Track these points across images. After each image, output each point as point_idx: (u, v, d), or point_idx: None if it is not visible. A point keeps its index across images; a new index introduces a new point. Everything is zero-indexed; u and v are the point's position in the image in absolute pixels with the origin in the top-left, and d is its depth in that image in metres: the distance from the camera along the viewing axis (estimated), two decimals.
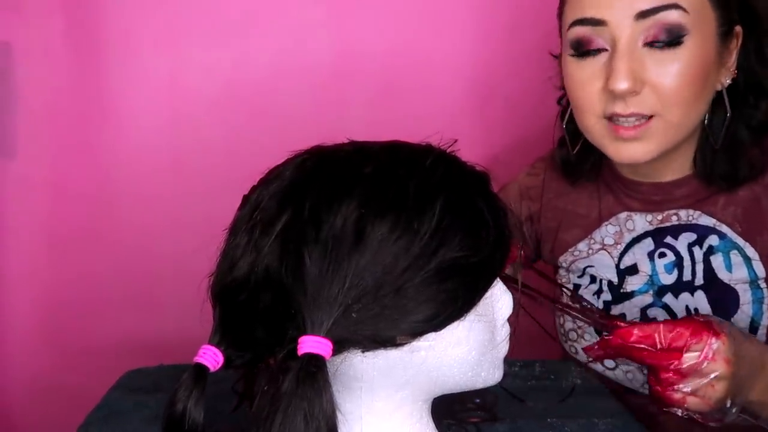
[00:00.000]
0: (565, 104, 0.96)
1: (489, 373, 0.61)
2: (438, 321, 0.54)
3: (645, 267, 0.94)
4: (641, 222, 0.95)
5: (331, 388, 0.50)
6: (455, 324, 0.56)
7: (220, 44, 1.33)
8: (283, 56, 1.34)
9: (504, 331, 0.62)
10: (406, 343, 0.54)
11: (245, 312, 0.54)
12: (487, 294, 0.58)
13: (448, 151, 0.60)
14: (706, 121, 0.86)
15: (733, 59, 0.85)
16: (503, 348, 0.63)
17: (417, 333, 0.54)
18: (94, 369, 1.15)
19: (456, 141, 0.61)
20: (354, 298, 0.51)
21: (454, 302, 0.55)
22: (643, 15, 0.78)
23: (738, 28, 0.84)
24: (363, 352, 0.54)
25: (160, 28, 1.32)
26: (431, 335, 0.55)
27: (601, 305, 0.97)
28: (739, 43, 0.85)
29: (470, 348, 0.58)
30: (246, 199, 0.59)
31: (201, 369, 0.53)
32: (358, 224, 0.52)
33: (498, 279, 0.61)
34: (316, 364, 0.50)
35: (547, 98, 1.04)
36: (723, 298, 0.89)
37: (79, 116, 1.33)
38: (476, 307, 0.57)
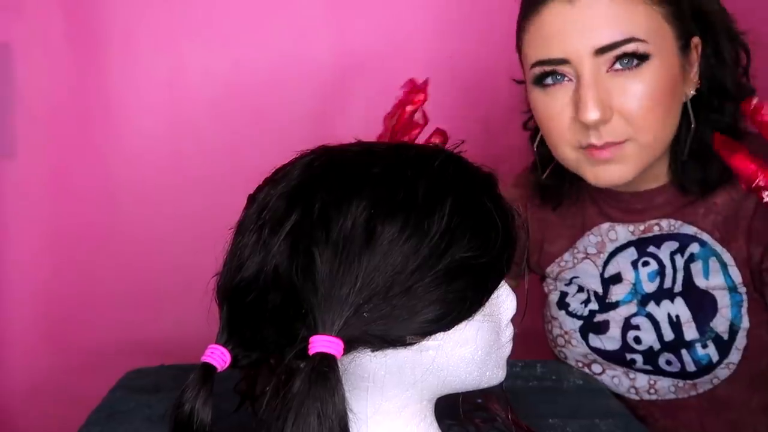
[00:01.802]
0: (533, 127, 0.96)
1: (493, 373, 0.61)
2: (447, 321, 0.54)
3: (629, 275, 0.94)
4: (624, 232, 0.95)
5: (343, 388, 0.50)
6: (463, 324, 0.56)
7: (220, 44, 1.34)
8: (283, 56, 1.34)
9: (508, 332, 0.63)
10: (415, 343, 0.54)
11: (254, 311, 0.54)
12: (494, 294, 0.59)
13: (455, 152, 0.61)
14: (675, 132, 0.86)
15: (695, 70, 0.85)
16: (507, 348, 0.63)
17: (426, 333, 0.54)
18: (95, 369, 1.16)
19: (463, 142, 0.61)
20: (365, 298, 0.52)
21: (463, 302, 0.55)
22: (601, 51, 0.79)
23: (695, 40, 0.85)
24: (372, 351, 0.54)
25: (160, 28, 1.32)
26: (440, 335, 0.55)
27: (587, 313, 0.97)
28: (698, 52, 0.85)
29: (477, 348, 0.58)
30: (252, 198, 0.59)
31: (208, 368, 0.53)
32: (368, 225, 0.52)
33: (504, 280, 0.61)
34: (328, 364, 0.50)
35: None
36: (701, 303, 0.89)
37: (79, 116, 1.33)
38: (484, 307, 0.57)
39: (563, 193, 0.98)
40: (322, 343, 0.50)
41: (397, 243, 0.52)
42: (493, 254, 0.56)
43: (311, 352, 0.50)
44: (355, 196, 0.53)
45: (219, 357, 0.53)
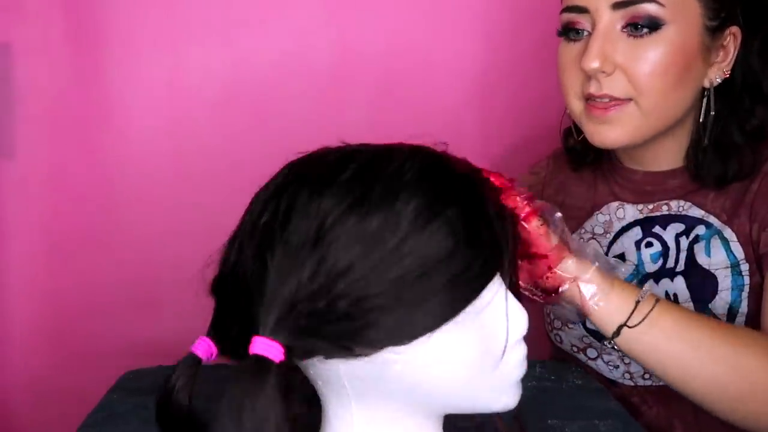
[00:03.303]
0: None
1: (491, 397, 0.57)
2: (399, 336, 0.51)
3: (632, 257, 0.95)
4: (631, 211, 0.96)
5: (279, 393, 0.49)
6: (428, 339, 0.52)
7: (220, 44, 1.33)
8: (283, 56, 1.34)
9: (516, 353, 0.57)
10: (366, 355, 0.52)
11: (227, 310, 0.56)
12: (478, 308, 0.54)
13: (441, 151, 0.59)
14: (701, 118, 0.88)
15: (729, 59, 0.86)
16: (515, 371, 0.57)
17: (374, 345, 0.52)
18: (93, 370, 1.15)
19: (447, 144, 0.60)
20: (306, 303, 0.50)
21: (420, 316, 0.51)
22: (618, 6, 0.81)
23: (734, 29, 0.85)
24: (326, 358, 0.53)
25: (159, 28, 1.32)
26: (401, 349, 0.52)
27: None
28: (737, 43, 0.86)
29: (455, 367, 0.54)
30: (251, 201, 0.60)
31: (193, 357, 0.54)
32: (321, 227, 0.51)
33: (506, 293, 0.57)
34: (263, 366, 0.49)
35: (549, 98, 1.04)
36: (701, 283, 0.90)
37: (79, 116, 1.33)
38: (458, 323, 0.53)
39: (588, 159, 1.01)
40: (259, 345, 0.50)
41: (347, 247, 0.51)
42: (457, 266, 0.52)
43: (250, 352, 0.50)
44: (317, 198, 0.52)
45: (204, 348, 0.54)
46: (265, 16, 1.33)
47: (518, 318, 0.57)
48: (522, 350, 0.58)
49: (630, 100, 0.83)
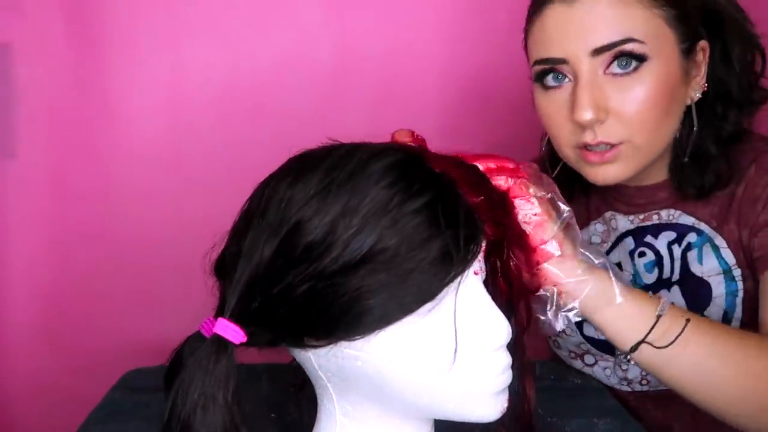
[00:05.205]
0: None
1: (466, 406, 0.56)
2: (348, 330, 0.52)
3: (628, 267, 0.95)
4: (623, 221, 0.96)
5: (232, 374, 0.51)
6: (382, 337, 0.53)
7: (221, 44, 1.34)
8: (283, 56, 1.34)
9: (495, 362, 0.56)
10: (316, 347, 0.54)
11: (221, 294, 0.58)
12: (425, 310, 0.53)
13: (421, 149, 0.59)
14: (687, 133, 0.87)
15: (702, 73, 0.85)
16: (493, 380, 0.56)
17: (320, 337, 0.53)
18: (94, 369, 1.15)
19: (424, 141, 0.60)
20: (262, 287, 0.53)
21: (368, 312, 0.51)
22: (597, 51, 0.79)
23: (703, 43, 0.85)
24: (288, 346, 0.56)
25: (160, 28, 1.32)
26: (357, 345, 0.53)
27: None
28: (706, 56, 0.85)
29: (413, 370, 0.54)
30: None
31: (198, 334, 0.56)
32: (285, 215, 0.53)
33: (487, 300, 0.56)
34: (220, 346, 0.52)
35: None
36: (696, 291, 0.90)
37: (80, 116, 1.33)
38: (409, 324, 0.53)
39: (574, 188, 0.98)
40: (220, 326, 0.52)
41: (304, 235, 0.52)
42: (403, 267, 0.51)
43: (212, 331, 0.53)
44: (289, 190, 0.54)
45: (208, 327, 0.56)
46: (266, 17, 1.34)
47: (497, 326, 0.56)
48: (502, 360, 0.56)
49: (622, 143, 0.82)
